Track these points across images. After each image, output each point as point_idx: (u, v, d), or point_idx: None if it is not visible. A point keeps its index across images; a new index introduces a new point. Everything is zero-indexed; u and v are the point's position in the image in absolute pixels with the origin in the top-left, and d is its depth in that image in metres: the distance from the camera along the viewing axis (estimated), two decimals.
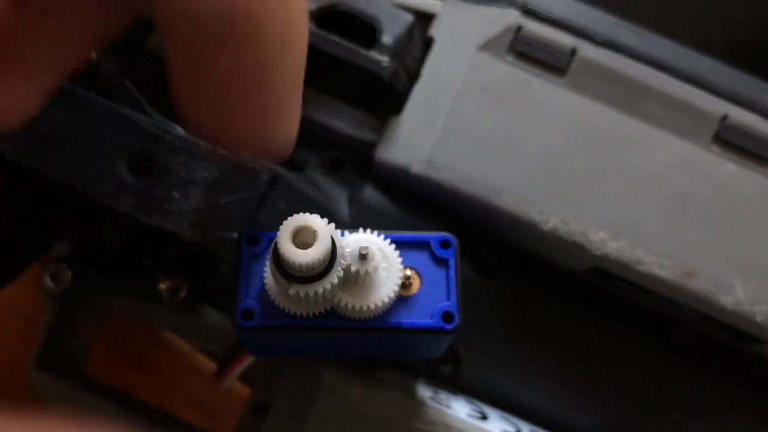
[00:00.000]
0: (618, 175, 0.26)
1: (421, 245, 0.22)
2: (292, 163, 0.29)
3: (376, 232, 0.21)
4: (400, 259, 0.21)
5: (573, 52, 0.27)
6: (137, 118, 0.25)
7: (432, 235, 0.22)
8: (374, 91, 0.28)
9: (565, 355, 0.28)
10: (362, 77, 0.27)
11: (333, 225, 0.20)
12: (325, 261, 0.20)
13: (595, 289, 0.29)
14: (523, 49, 0.27)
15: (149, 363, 0.42)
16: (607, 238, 0.26)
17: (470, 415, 0.26)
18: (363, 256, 0.20)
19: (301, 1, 0.20)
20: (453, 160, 0.26)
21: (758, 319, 0.26)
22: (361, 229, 0.21)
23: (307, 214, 0.20)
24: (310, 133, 0.29)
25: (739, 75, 0.27)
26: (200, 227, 0.25)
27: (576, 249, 0.26)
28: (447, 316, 0.21)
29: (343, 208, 0.28)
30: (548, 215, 0.26)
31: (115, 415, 0.29)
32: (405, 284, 0.21)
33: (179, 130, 0.26)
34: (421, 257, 0.22)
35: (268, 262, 0.21)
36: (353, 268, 0.20)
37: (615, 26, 0.28)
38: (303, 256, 0.20)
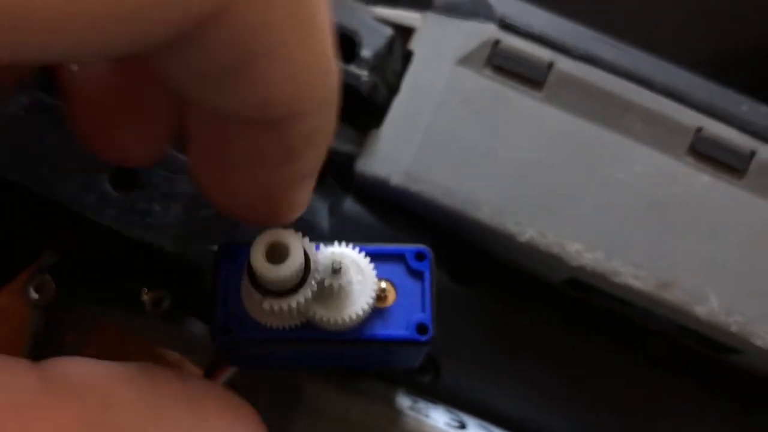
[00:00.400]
0: (595, 186, 0.27)
1: (397, 257, 0.22)
2: None
3: (351, 245, 0.22)
4: (374, 272, 0.21)
5: (550, 65, 0.27)
6: None
7: (407, 247, 0.22)
8: (354, 105, 0.28)
9: (545, 365, 0.29)
10: (342, 91, 0.27)
11: (307, 239, 0.20)
12: (298, 276, 0.20)
13: (575, 300, 0.29)
14: (500, 63, 0.27)
15: None
16: (583, 250, 0.26)
17: (449, 424, 0.27)
18: (336, 270, 0.21)
19: (336, 93, 0.19)
20: (432, 172, 0.27)
21: (733, 329, 0.26)
22: (336, 243, 0.21)
23: (281, 228, 0.20)
24: None
25: (715, 88, 0.28)
26: (181, 240, 0.26)
27: (553, 260, 0.27)
28: (421, 328, 0.22)
29: (323, 220, 0.28)
30: (525, 227, 0.26)
31: None
32: (380, 296, 0.22)
33: None
34: (397, 269, 0.22)
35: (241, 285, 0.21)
36: (327, 282, 0.21)
37: (592, 40, 0.28)
38: (275, 271, 0.20)
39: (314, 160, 0.19)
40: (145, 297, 0.28)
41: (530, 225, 0.26)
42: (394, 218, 0.28)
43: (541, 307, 0.29)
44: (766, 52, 0.37)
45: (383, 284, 0.22)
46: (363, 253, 0.21)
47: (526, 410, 0.29)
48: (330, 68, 0.17)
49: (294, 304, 0.20)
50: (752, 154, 0.27)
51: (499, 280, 0.29)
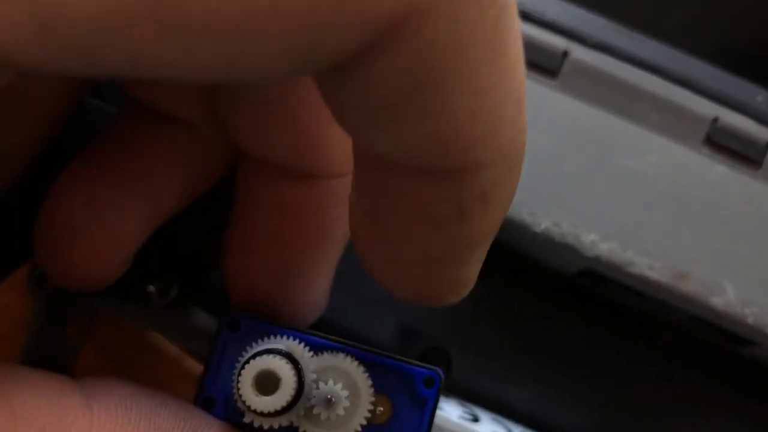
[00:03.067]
0: (610, 177, 0.26)
1: (404, 376, 0.21)
2: None
3: (350, 358, 0.20)
4: (371, 392, 0.20)
5: (565, 54, 0.27)
6: None
7: (418, 368, 0.20)
8: None
9: (557, 357, 0.28)
10: None
11: (300, 368, 0.19)
12: (287, 405, 0.19)
13: (587, 292, 0.29)
14: None
15: (138, 368, 0.42)
16: (598, 240, 0.26)
17: (462, 417, 0.26)
18: (329, 402, 0.20)
19: (523, 144, 0.15)
20: None
21: (749, 320, 0.26)
22: (330, 354, 0.20)
23: (276, 357, 0.19)
24: None
25: (730, 78, 0.27)
26: (196, 232, 0.25)
27: (567, 251, 0.26)
28: None
29: None
30: (540, 217, 0.26)
31: None
32: (374, 413, 0.20)
33: None
34: (400, 386, 0.21)
35: (240, 359, 0.20)
36: (316, 411, 0.20)
37: (607, 29, 0.28)
38: (262, 404, 0.19)
39: (489, 224, 0.16)
40: (152, 289, 0.27)
41: (545, 215, 0.26)
42: None
43: (554, 300, 0.29)
44: None
45: (380, 407, 0.21)
46: (361, 369, 0.20)
47: (537, 402, 0.28)
48: (519, 110, 0.14)
49: (277, 426, 0.19)
50: None
51: (512, 273, 0.29)
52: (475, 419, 0.27)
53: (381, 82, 0.13)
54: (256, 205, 0.20)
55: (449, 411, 0.26)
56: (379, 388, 0.21)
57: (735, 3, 0.39)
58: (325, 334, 0.21)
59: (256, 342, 0.20)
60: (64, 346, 0.30)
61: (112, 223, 0.19)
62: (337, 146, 0.18)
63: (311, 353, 0.20)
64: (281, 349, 0.19)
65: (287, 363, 0.19)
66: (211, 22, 0.10)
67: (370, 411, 0.20)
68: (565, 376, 0.28)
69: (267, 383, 0.19)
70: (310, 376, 0.19)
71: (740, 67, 0.29)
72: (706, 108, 0.27)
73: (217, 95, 0.18)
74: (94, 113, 0.23)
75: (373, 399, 0.20)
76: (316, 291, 0.21)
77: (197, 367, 0.41)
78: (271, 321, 0.21)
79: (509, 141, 0.14)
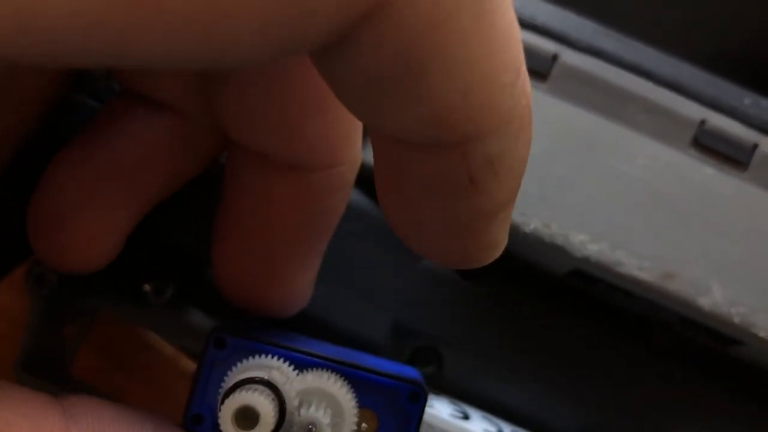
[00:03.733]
0: (599, 178, 0.27)
1: (388, 391, 0.21)
2: None
3: (334, 377, 0.21)
4: (355, 413, 0.21)
5: (555, 57, 0.27)
6: None
7: (402, 382, 0.21)
8: None
9: (548, 357, 0.29)
10: None
11: (281, 398, 0.20)
12: None
13: (578, 293, 0.29)
14: None
15: (136, 368, 0.42)
16: (587, 241, 0.26)
17: (452, 415, 0.27)
18: (309, 430, 0.20)
19: (526, 111, 0.16)
20: None
21: (736, 320, 0.26)
22: (314, 374, 0.21)
23: (256, 392, 0.19)
24: None
25: (718, 82, 0.28)
26: (187, 229, 0.26)
27: (557, 251, 0.27)
28: None
29: None
30: (530, 217, 0.26)
31: None
32: (359, 428, 0.21)
33: None
34: (384, 402, 0.21)
35: (225, 380, 0.21)
36: None
37: (596, 33, 0.28)
38: None
39: (504, 192, 0.17)
40: (147, 287, 0.28)
41: (534, 216, 0.27)
42: None
43: (544, 300, 0.29)
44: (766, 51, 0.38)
45: (363, 424, 0.21)
46: (347, 388, 0.21)
47: (528, 402, 0.29)
48: (516, 78, 0.14)
49: None
50: (755, 147, 0.27)
51: (503, 273, 0.29)
52: (466, 417, 0.27)
53: (371, 62, 0.13)
54: (243, 194, 0.20)
55: (439, 408, 0.27)
56: (363, 403, 0.21)
57: (731, 7, 0.39)
58: (309, 349, 0.21)
59: (242, 360, 0.21)
60: (62, 346, 0.31)
61: (101, 208, 0.19)
62: (326, 138, 0.19)
63: (296, 372, 0.21)
64: (263, 378, 0.20)
65: (267, 396, 0.19)
66: (191, 9, 0.11)
67: (353, 428, 0.21)
68: (562, 377, 0.29)
69: (247, 417, 0.19)
70: (292, 404, 0.20)
71: (734, 74, 0.29)
72: (694, 111, 0.27)
73: (207, 83, 0.19)
74: (89, 111, 0.23)
75: (357, 417, 0.21)
76: (301, 281, 0.21)
77: (192, 366, 0.42)
78: (256, 337, 0.21)
79: (508, 110, 0.14)
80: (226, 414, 0.19)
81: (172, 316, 0.29)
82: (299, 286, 0.21)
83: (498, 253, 0.19)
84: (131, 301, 0.28)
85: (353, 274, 0.28)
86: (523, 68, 0.15)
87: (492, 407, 0.28)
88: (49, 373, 0.30)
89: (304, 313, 0.28)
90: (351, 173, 0.20)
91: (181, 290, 0.28)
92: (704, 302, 0.26)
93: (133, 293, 0.28)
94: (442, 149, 0.15)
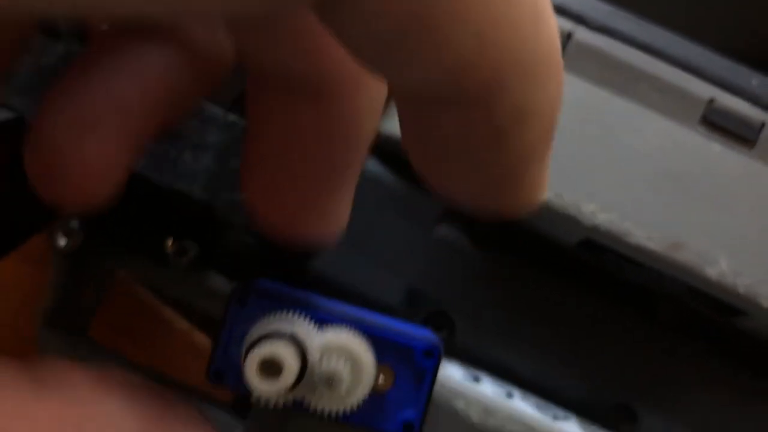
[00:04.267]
0: (610, 152, 0.28)
1: (404, 348, 0.22)
2: None
3: (354, 333, 0.21)
4: (373, 367, 0.21)
5: (569, 35, 0.28)
6: None
7: (418, 339, 0.22)
8: None
9: (556, 327, 0.30)
10: None
11: (306, 348, 0.20)
12: (290, 387, 0.20)
13: (587, 266, 0.30)
14: None
15: (150, 341, 0.43)
16: (598, 210, 0.27)
17: (464, 378, 0.28)
18: (331, 381, 0.21)
19: (553, 56, 0.15)
20: None
21: (741, 290, 0.27)
22: (335, 330, 0.21)
23: (280, 343, 0.20)
24: None
25: (727, 62, 0.29)
26: (210, 189, 0.26)
27: (568, 220, 0.27)
28: (408, 427, 0.22)
29: None
30: None
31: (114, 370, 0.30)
32: (376, 384, 0.22)
33: None
34: (401, 358, 0.22)
35: (247, 337, 0.21)
36: (320, 389, 0.21)
37: (610, 13, 0.29)
38: (266, 387, 0.20)
39: (534, 140, 0.16)
40: (170, 247, 0.29)
41: (548, 186, 0.27)
42: (413, 180, 0.29)
43: (554, 271, 0.30)
44: None
45: (381, 376, 0.22)
46: (366, 345, 0.21)
47: (536, 370, 0.29)
48: (537, 28, 0.14)
49: (282, 402, 0.21)
50: (762, 125, 0.28)
51: (514, 244, 0.30)
52: (477, 380, 0.28)
53: (376, 12, 0.12)
54: (269, 126, 0.20)
55: (451, 371, 0.28)
56: (381, 359, 0.22)
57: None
58: (329, 303, 0.22)
59: (264, 317, 0.21)
60: (80, 306, 0.31)
61: (100, 141, 0.19)
62: (349, 61, 0.17)
63: (316, 328, 0.22)
64: (285, 332, 0.20)
65: (291, 347, 0.20)
66: None
67: (372, 382, 0.21)
68: (569, 346, 0.29)
69: (271, 368, 0.20)
70: (314, 356, 0.21)
71: (745, 53, 0.30)
72: (703, 89, 0.28)
73: None
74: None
75: (374, 370, 0.22)
76: (336, 208, 0.21)
77: (206, 342, 0.43)
78: (277, 295, 0.22)
79: (531, 61, 0.14)
80: (250, 365, 0.20)
81: (193, 278, 0.29)
82: (335, 214, 0.22)
83: (539, 198, 0.19)
84: (153, 261, 0.29)
85: (370, 240, 0.29)
86: (548, 11, 0.14)
87: (501, 373, 0.29)
88: (69, 330, 0.31)
89: (322, 276, 0.29)
90: (377, 99, 0.19)
91: (203, 252, 0.29)
92: (711, 272, 0.27)
93: (155, 252, 0.28)
94: (466, 103, 0.14)
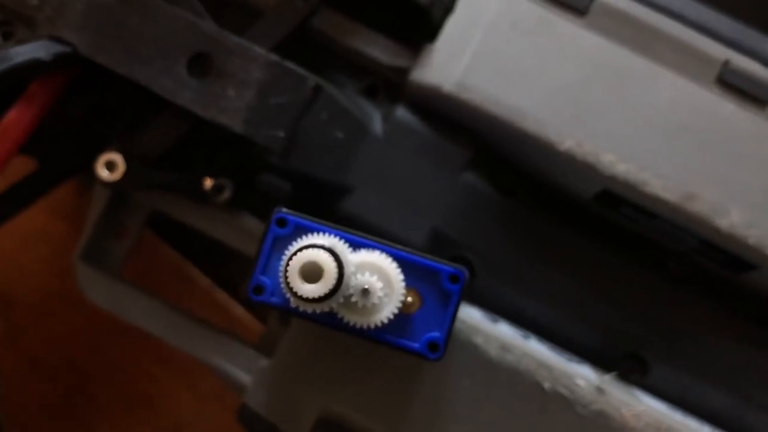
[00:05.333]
0: (628, 107, 0.29)
1: (431, 272, 0.23)
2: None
3: (384, 255, 0.23)
4: (402, 285, 0.23)
5: None
6: (200, 23, 0.28)
7: (444, 266, 0.23)
8: (411, 20, 0.30)
9: (572, 277, 0.31)
10: (401, 5, 0.30)
11: (342, 256, 0.22)
12: (329, 293, 0.21)
13: (602, 220, 0.31)
14: None
15: (172, 296, 0.44)
16: (616, 161, 0.29)
17: (483, 318, 0.29)
18: (365, 292, 0.22)
19: None
20: (482, 83, 0.29)
21: (750, 242, 0.28)
22: (367, 252, 0.23)
23: (321, 251, 0.21)
24: (347, 60, 0.32)
25: (742, 27, 0.30)
26: (251, 124, 0.28)
27: (587, 169, 0.29)
28: (433, 346, 0.23)
29: (377, 125, 0.31)
30: (564, 137, 0.29)
31: (152, 310, 0.31)
32: (405, 303, 0.23)
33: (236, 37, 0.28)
34: (428, 281, 0.23)
35: (287, 252, 0.22)
36: (354, 299, 0.22)
37: None
38: (307, 291, 0.21)
39: None
40: (208, 184, 0.30)
41: (569, 136, 0.29)
42: (441, 128, 0.31)
43: (573, 224, 0.31)
44: None
45: (409, 297, 0.23)
46: (394, 265, 0.23)
47: (551, 317, 0.31)
48: None
49: (319, 311, 0.22)
50: None
51: (535, 195, 0.31)
52: (495, 321, 0.29)
53: None
54: None
55: (470, 312, 0.29)
56: (409, 282, 0.23)
57: None
58: (362, 233, 0.24)
59: (301, 238, 0.23)
60: (117, 244, 0.33)
61: None
62: None
63: (350, 249, 0.23)
64: (325, 245, 0.22)
65: (330, 256, 0.21)
66: None
67: (401, 302, 0.23)
68: (583, 296, 0.31)
69: (312, 273, 0.21)
70: (349, 269, 0.22)
71: (760, 18, 0.31)
72: (719, 51, 0.30)
73: None
74: None
75: (404, 291, 0.23)
76: None
77: (226, 299, 0.44)
78: (314, 219, 0.23)
79: None
80: (294, 268, 0.21)
81: (227, 217, 0.31)
82: None
83: None
84: (191, 197, 0.30)
85: (398, 184, 0.30)
86: None
87: (517, 319, 0.30)
88: (105, 265, 0.32)
89: (351, 216, 0.30)
90: None
91: (238, 193, 0.30)
92: (722, 223, 0.28)
93: (193, 190, 0.30)
94: None
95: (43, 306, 0.44)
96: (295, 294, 0.21)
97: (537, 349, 0.29)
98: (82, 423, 0.45)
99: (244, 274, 0.35)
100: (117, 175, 0.29)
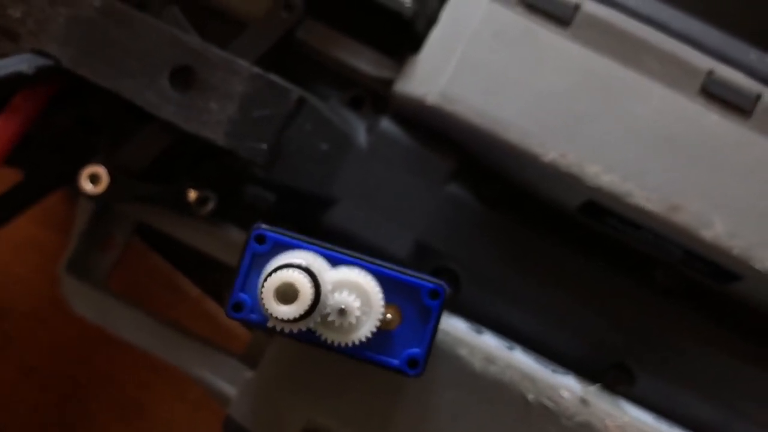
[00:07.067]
0: (613, 118, 0.29)
1: (411, 288, 0.23)
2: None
3: (364, 272, 0.23)
4: (382, 303, 0.23)
5: (577, 6, 0.30)
6: (183, 36, 0.28)
7: (424, 282, 0.23)
8: (394, 31, 0.30)
9: (556, 288, 0.31)
10: (385, 16, 0.30)
11: (318, 276, 0.22)
12: (305, 314, 0.21)
13: (588, 231, 0.31)
14: (531, 2, 0.30)
15: (161, 306, 0.44)
16: (600, 172, 0.29)
17: (468, 329, 0.29)
18: (342, 312, 0.22)
19: None
20: (465, 94, 0.29)
21: (735, 252, 0.28)
22: (346, 268, 0.23)
23: (296, 271, 0.21)
24: (332, 71, 0.32)
25: (726, 37, 0.30)
26: (234, 137, 0.28)
27: (572, 180, 0.29)
28: (413, 362, 0.23)
29: (361, 136, 0.31)
30: (548, 148, 0.29)
31: (136, 321, 0.31)
32: (384, 320, 0.23)
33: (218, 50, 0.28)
34: (408, 297, 0.23)
35: (264, 270, 0.22)
36: (331, 318, 0.22)
37: None
38: (282, 312, 0.21)
39: None
40: (192, 196, 0.30)
41: (553, 147, 0.29)
42: (426, 139, 0.31)
43: (558, 234, 0.31)
44: None
45: (389, 314, 0.23)
46: (373, 284, 0.23)
47: (537, 328, 0.31)
48: None
49: (296, 330, 0.22)
50: (758, 97, 0.29)
51: (520, 206, 0.31)
52: (479, 333, 0.29)
53: None
54: None
55: (455, 323, 0.29)
56: (389, 298, 0.23)
57: None
58: (341, 249, 0.24)
59: (280, 253, 0.23)
60: (103, 255, 0.33)
61: None
62: None
63: (329, 266, 0.23)
64: (301, 264, 0.22)
65: (306, 276, 0.21)
66: None
67: (380, 319, 0.23)
68: (568, 306, 0.31)
69: (287, 294, 0.21)
70: (326, 288, 0.22)
71: (743, 29, 0.31)
72: (703, 61, 0.30)
73: None
74: None
75: (383, 308, 0.23)
76: None
77: (216, 308, 0.44)
78: (293, 236, 0.23)
79: None
80: (268, 290, 0.21)
81: (212, 230, 0.31)
82: None
83: None
84: (175, 209, 0.30)
85: (382, 195, 0.30)
86: None
87: (502, 330, 0.30)
88: (90, 277, 0.32)
89: (335, 228, 0.30)
90: None
91: (222, 204, 0.30)
92: (707, 234, 0.28)
93: (177, 202, 0.30)
94: None
95: (35, 315, 0.44)
96: (270, 315, 0.21)
97: (521, 360, 0.29)
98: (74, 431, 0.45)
99: (229, 285, 0.35)
100: (101, 188, 0.29)
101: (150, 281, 0.43)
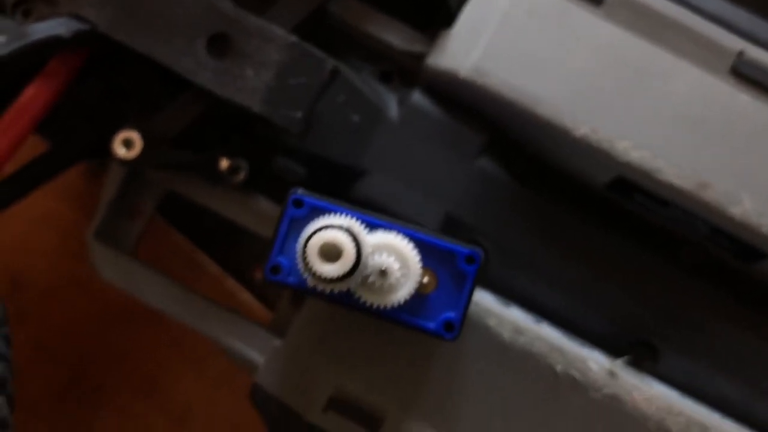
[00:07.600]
0: (643, 95, 0.29)
1: (448, 253, 0.24)
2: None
3: (401, 236, 0.23)
4: (419, 266, 0.23)
5: None
6: (219, 3, 0.28)
7: (461, 247, 0.23)
8: (428, 6, 0.31)
9: (584, 263, 0.31)
10: None
11: (360, 236, 0.22)
12: (348, 273, 0.22)
13: (616, 208, 0.31)
14: None
15: (182, 282, 0.44)
16: (630, 147, 0.29)
17: (496, 302, 0.29)
18: (383, 273, 0.22)
19: None
20: (498, 69, 0.29)
21: (763, 230, 0.28)
22: (384, 233, 0.23)
23: (340, 231, 0.21)
24: (363, 45, 0.32)
25: (756, 18, 0.31)
26: (269, 104, 0.28)
27: (602, 156, 0.29)
28: (449, 326, 0.23)
29: (392, 109, 0.31)
30: (580, 123, 0.29)
31: (166, 289, 0.31)
32: (421, 284, 0.23)
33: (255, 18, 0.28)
34: (444, 262, 0.24)
35: (304, 232, 0.22)
36: (371, 279, 0.22)
37: None
38: (326, 271, 0.21)
39: None
40: (223, 164, 0.30)
41: (584, 122, 0.29)
42: (457, 112, 0.31)
43: (585, 212, 0.31)
44: None
45: (426, 277, 0.23)
46: (411, 246, 0.23)
47: (563, 303, 0.31)
48: None
49: (337, 290, 0.22)
50: None
51: (549, 182, 0.31)
52: (508, 306, 0.29)
53: None
54: None
55: (483, 296, 0.29)
56: (426, 263, 0.23)
57: None
58: (377, 217, 0.24)
59: (317, 219, 0.23)
60: (132, 220, 0.33)
61: None
62: None
63: (367, 230, 0.23)
64: (342, 225, 0.22)
65: (348, 236, 0.22)
66: None
67: (417, 282, 0.23)
68: (594, 283, 0.31)
69: (331, 253, 0.22)
70: (367, 249, 0.22)
71: None
72: (734, 42, 0.30)
73: None
74: None
75: (420, 272, 0.23)
76: None
77: (235, 286, 0.44)
78: (330, 200, 0.24)
79: None
80: (313, 248, 0.21)
81: (242, 198, 0.31)
82: None
83: None
84: (206, 177, 0.30)
85: (413, 168, 0.30)
86: None
87: (529, 304, 0.30)
88: (118, 246, 0.32)
89: (365, 200, 0.30)
90: None
91: (254, 175, 0.31)
92: (735, 211, 0.29)
93: (209, 169, 0.30)
94: None
95: (51, 290, 0.44)
96: (314, 274, 0.22)
97: (549, 333, 0.29)
98: (87, 408, 0.45)
99: (253, 260, 0.35)
100: (134, 153, 0.29)
101: (170, 259, 0.44)
